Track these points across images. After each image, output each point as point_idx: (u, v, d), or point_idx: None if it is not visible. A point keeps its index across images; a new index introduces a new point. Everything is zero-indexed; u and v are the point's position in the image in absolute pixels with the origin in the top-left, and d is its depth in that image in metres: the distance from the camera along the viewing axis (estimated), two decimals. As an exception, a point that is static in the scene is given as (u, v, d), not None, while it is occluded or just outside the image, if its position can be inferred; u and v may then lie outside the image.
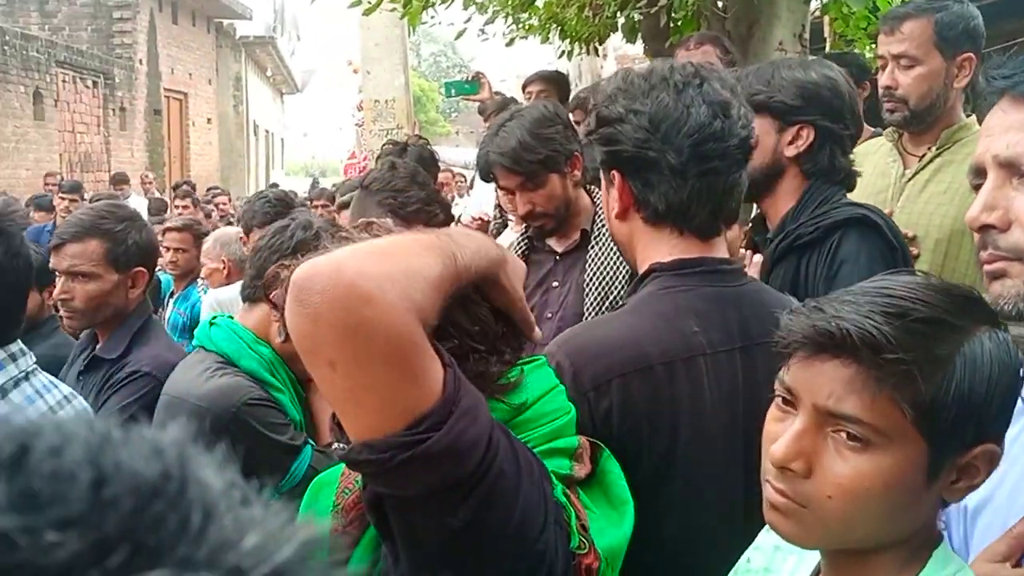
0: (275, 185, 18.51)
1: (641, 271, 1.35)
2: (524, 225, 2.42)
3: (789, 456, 0.85)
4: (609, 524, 1.05)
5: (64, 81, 13.81)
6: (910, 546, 0.88)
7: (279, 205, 3.14)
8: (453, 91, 4.87)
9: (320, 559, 0.25)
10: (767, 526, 1.08)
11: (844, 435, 0.84)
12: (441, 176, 7.90)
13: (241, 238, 3.43)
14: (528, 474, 0.94)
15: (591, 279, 2.19)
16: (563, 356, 1.19)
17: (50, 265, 2.21)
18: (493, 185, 2.49)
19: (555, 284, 2.33)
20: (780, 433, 0.88)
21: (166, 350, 2.27)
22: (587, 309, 2.16)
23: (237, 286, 3.47)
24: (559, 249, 2.33)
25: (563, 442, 1.06)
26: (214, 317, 2.01)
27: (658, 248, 1.32)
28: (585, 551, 0.98)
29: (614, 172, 1.32)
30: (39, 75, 12.96)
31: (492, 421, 0.93)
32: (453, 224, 3.55)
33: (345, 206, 3.39)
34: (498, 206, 4.01)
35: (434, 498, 0.89)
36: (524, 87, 4.32)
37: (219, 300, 3.34)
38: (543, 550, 0.94)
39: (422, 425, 0.85)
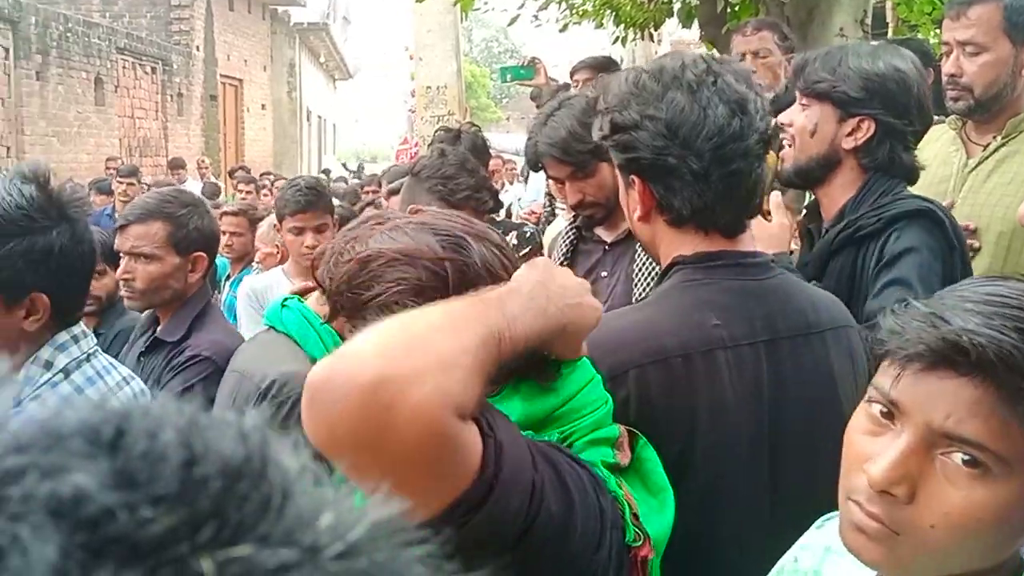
0: (327, 171, 18.77)
1: (664, 265, 1.34)
2: (573, 214, 2.42)
3: (893, 479, 0.76)
4: (651, 511, 1.04)
5: (124, 67, 14.13)
6: (996, 575, 0.81)
7: (311, 194, 3.16)
8: (508, 76, 4.86)
9: (391, 539, 0.27)
10: (818, 524, 1.06)
11: (959, 459, 0.75)
12: (491, 163, 7.91)
13: (275, 226, 3.46)
14: (580, 496, 0.91)
15: (640, 269, 2.18)
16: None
17: (115, 246, 2.30)
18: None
19: (603, 274, 2.32)
20: (874, 450, 0.79)
21: (225, 335, 2.32)
22: (636, 299, 2.15)
23: (273, 273, 3.52)
24: (608, 239, 2.32)
25: (605, 432, 1.05)
26: (286, 299, 2.03)
27: (683, 245, 1.31)
28: (640, 543, 0.98)
29: (633, 176, 1.30)
30: (100, 61, 13.28)
31: (534, 466, 0.88)
32: (503, 212, 3.54)
33: (395, 192, 3.42)
34: (548, 194, 4.00)
35: (480, 552, 0.86)
36: (572, 74, 4.27)
37: (254, 288, 3.37)
38: (596, 568, 0.93)
39: (459, 509, 0.80)
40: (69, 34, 12.52)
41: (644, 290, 2.16)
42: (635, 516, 0.99)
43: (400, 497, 0.83)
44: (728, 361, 1.25)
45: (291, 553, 0.24)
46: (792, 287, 1.39)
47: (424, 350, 0.78)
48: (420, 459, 0.77)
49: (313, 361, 1.85)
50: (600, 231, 2.33)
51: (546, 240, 3.12)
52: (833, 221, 1.85)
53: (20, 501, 0.22)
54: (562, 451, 0.97)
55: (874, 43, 1.96)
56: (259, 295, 3.24)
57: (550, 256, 2.74)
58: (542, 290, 0.95)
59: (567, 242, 2.48)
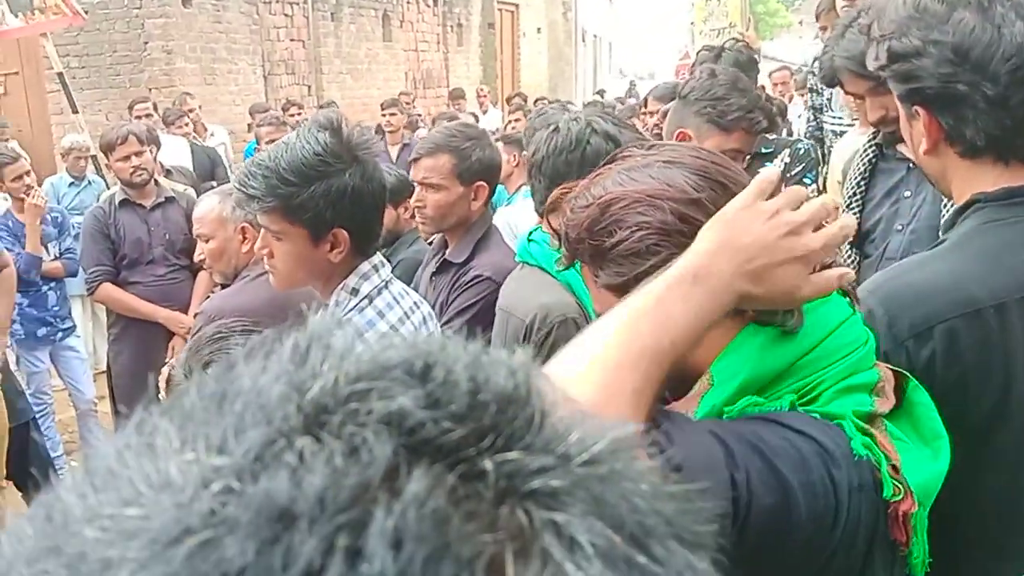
0: (602, 92, 18.81)
1: (960, 203, 1.24)
2: (872, 131, 2.28)
3: None
4: (922, 459, 0.98)
5: (408, 3, 15.03)
6: None
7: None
8: None
9: (626, 452, 0.34)
10: None
11: None
12: (777, 75, 7.48)
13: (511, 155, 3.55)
14: (800, 476, 0.87)
15: None
16: (876, 303, 1.14)
17: (410, 176, 2.67)
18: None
19: (907, 194, 2.20)
20: None
21: (505, 257, 2.55)
22: (943, 221, 2.00)
23: (526, 203, 3.61)
24: (913, 156, 2.17)
25: (861, 377, 0.98)
26: (531, 233, 2.13)
27: (980, 179, 1.20)
28: (900, 497, 0.92)
29: (917, 108, 1.21)
30: (387, -1, 14.23)
31: (733, 462, 0.85)
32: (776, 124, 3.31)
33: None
34: (811, 108, 3.73)
35: None
36: None
37: (508, 219, 3.50)
38: (834, 544, 0.89)
39: None
40: (359, -27, 13.50)
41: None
42: (894, 468, 0.93)
43: None
44: None
45: (548, 459, 0.32)
46: None
47: (580, 393, 0.79)
48: None
49: (567, 286, 1.93)
50: (904, 148, 2.18)
51: (837, 157, 2.95)
52: None
53: (364, 414, 0.32)
54: (776, 423, 0.91)
55: None
56: (512, 225, 3.40)
57: (844, 176, 2.60)
58: (717, 262, 0.89)
59: (865, 160, 2.35)
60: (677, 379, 0.99)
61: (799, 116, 6.46)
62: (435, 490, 0.29)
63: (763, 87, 3.53)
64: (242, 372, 0.34)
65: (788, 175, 2.90)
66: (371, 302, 1.80)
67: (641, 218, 0.99)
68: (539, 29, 21.52)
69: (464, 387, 0.33)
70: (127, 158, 4.21)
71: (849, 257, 2.41)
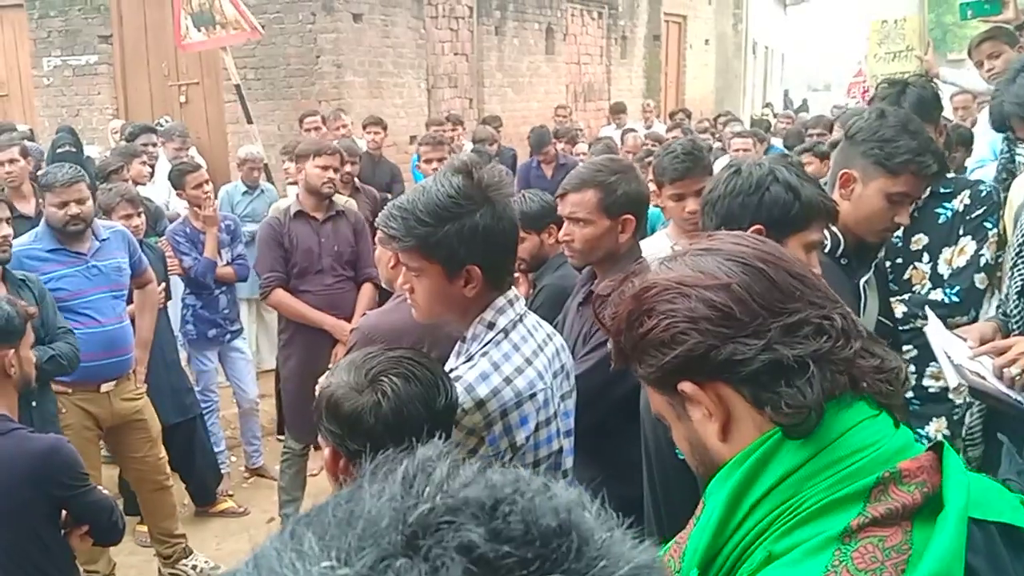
0: (769, 104, 18.38)
1: None
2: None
3: None
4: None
5: (573, 15, 15.26)
6: None
7: (688, 160, 3.22)
8: (969, 13, 4.40)
9: (647, 574, 0.47)
10: None
11: None
12: (958, 99, 7.14)
13: (653, 191, 3.57)
14: None
15: None
16: None
17: (558, 211, 2.79)
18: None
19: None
20: None
21: None
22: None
23: (658, 236, 3.57)
24: None
25: (854, 487, 0.93)
26: None
27: None
28: None
29: None
30: (551, 11, 14.50)
31: None
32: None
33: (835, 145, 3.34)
34: (1007, 139, 3.58)
35: None
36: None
37: (657, 248, 3.51)
38: None
39: None
40: (521, -12, 13.83)
41: None
42: None
43: None
44: None
45: None
46: None
47: None
48: None
49: None
50: (1079, 196, 2.13)
51: (1016, 193, 2.85)
52: None
53: (446, 542, 0.44)
54: None
55: None
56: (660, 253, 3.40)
57: (1016, 223, 2.53)
58: None
59: (1038, 205, 2.30)
60: (708, 472, 1.03)
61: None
62: None
63: (944, 125, 3.42)
64: (365, 493, 0.49)
65: (967, 218, 2.82)
66: (507, 335, 1.94)
67: (668, 306, 1.02)
68: (707, 41, 21.29)
69: (519, 526, 0.45)
70: (326, 168, 4.60)
71: (1018, 308, 2.36)
